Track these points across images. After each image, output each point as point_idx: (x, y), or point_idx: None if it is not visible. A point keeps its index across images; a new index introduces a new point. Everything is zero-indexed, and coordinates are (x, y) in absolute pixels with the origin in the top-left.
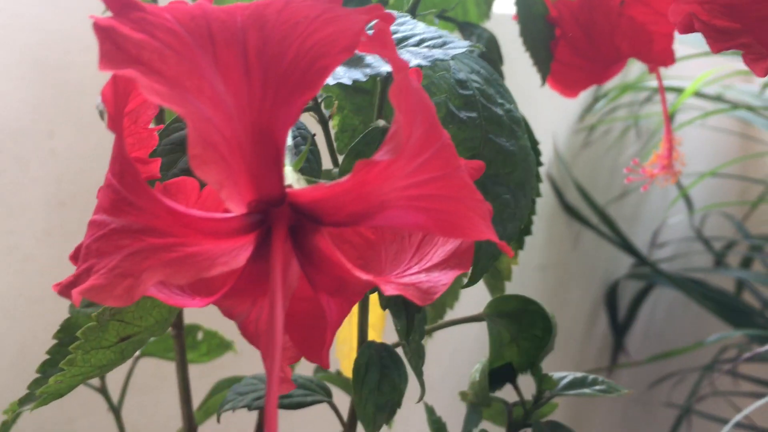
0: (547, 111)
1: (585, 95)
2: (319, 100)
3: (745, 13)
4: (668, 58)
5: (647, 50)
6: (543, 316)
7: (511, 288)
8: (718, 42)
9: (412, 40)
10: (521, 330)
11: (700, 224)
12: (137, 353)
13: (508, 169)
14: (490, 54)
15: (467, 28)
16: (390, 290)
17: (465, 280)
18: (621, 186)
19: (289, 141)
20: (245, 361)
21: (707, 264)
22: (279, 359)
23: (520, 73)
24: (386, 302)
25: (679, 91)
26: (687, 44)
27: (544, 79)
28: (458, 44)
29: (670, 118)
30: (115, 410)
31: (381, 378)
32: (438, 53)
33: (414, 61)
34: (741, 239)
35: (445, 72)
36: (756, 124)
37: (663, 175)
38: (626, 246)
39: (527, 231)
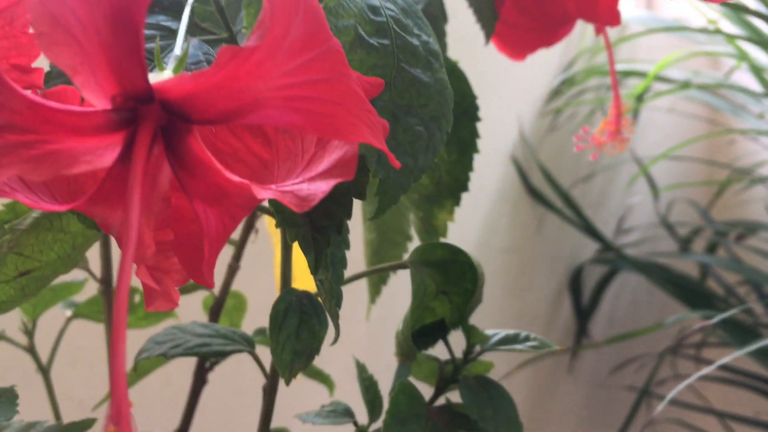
0: (513, 94)
1: (552, 78)
2: None
3: None
4: (614, 18)
5: (593, 9)
6: (471, 267)
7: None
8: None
9: None
10: (448, 281)
11: (666, 210)
12: (69, 314)
13: (422, 101)
14: (432, 9)
15: None
16: (263, 194)
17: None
18: (587, 170)
19: (178, 51)
20: None
21: (672, 249)
22: (130, 264)
23: (487, 58)
24: (294, 235)
25: (645, 75)
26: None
27: (488, 39)
28: None
29: (639, 99)
30: (44, 371)
31: (300, 324)
32: None
33: None
34: (706, 226)
35: None
36: (723, 109)
37: (611, 142)
38: (590, 230)
39: (464, 187)
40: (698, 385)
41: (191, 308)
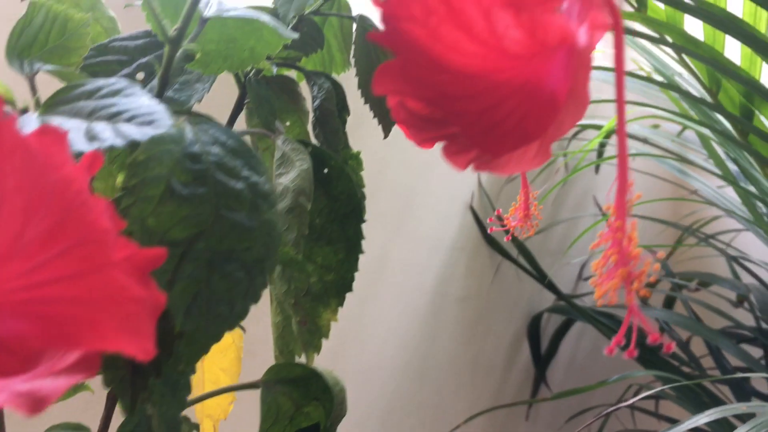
0: None
1: None
2: None
3: (451, 105)
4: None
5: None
6: (326, 388)
7: (429, 320)
8: (423, 132)
9: (124, 115)
10: (308, 395)
11: None
12: None
13: (245, 245)
14: (328, 104)
15: (311, 77)
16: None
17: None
18: (547, 218)
19: None
20: None
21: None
22: None
23: None
24: (110, 379)
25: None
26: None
27: (386, 135)
28: (163, 123)
29: (599, 153)
30: None
31: None
32: (134, 132)
33: (109, 141)
34: (664, 278)
35: (174, 145)
36: (671, 169)
37: (521, 227)
38: (544, 280)
39: (349, 287)
40: None
41: None
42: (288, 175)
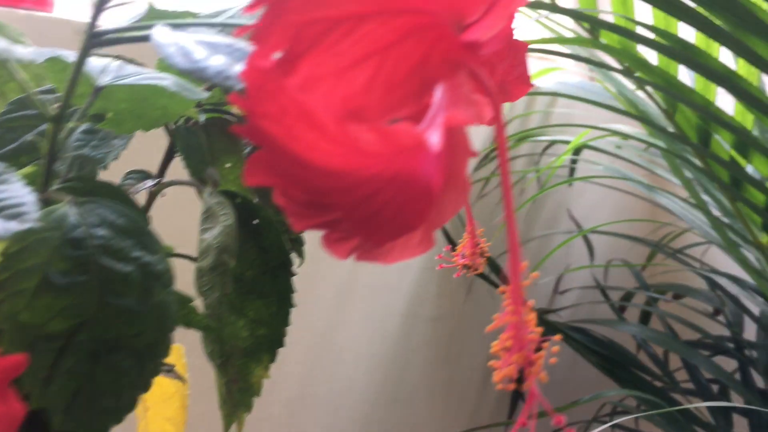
0: None
1: (481, 145)
2: None
3: (323, 197)
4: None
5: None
6: None
7: (401, 342)
8: (304, 219)
9: None
10: None
11: (604, 272)
12: None
13: (135, 331)
14: None
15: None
16: None
17: None
18: (521, 235)
19: None
20: None
21: (611, 315)
22: None
23: None
24: None
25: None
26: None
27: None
28: (29, 217)
29: (571, 170)
30: None
31: None
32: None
33: None
34: (639, 290)
35: (52, 232)
36: (638, 186)
37: (469, 264)
38: None
39: (280, 342)
40: None
41: None
42: (212, 230)
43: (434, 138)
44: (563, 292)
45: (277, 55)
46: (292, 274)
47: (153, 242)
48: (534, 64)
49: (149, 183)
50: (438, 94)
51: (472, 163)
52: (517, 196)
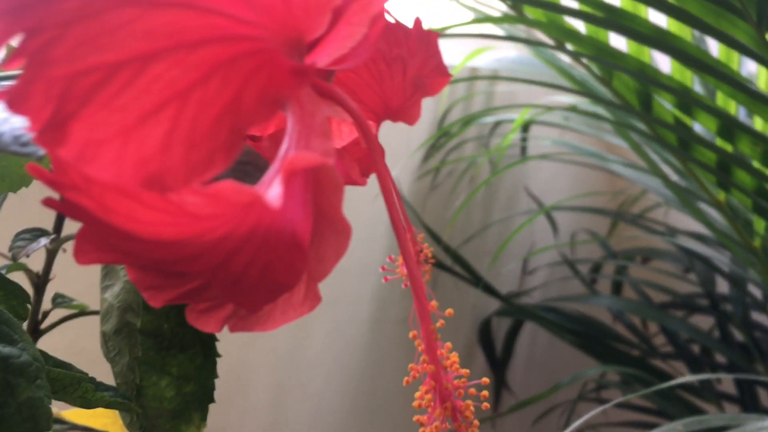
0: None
1: (426, 135)
2: None
3: (171, 268)
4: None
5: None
6: None
7: (371, 350)
8: (161, 292)
9: None
10: None
11: (570, 245)
12: None
13: None
14: None
15: None
16: None
17: None
18: (480, 221)
19: None
20: None
21: (583, 289)
22: None
23: None
24: None
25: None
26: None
27: None
28: None
29: (523, 150)
30: None
31: None
32: None
33: None
34: (607, 260)
35: None
36: (588, 156)
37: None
38: (481, 285)
39: (210, 397)
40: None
41: None
42: (113, 288)
43: (274, 193)
44: (531, 272)
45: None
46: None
47: (12, 328)
48: (467, 45)
49: (44, 241)
50: (286, 132)
51: (419, 155)
52: (470, 182)
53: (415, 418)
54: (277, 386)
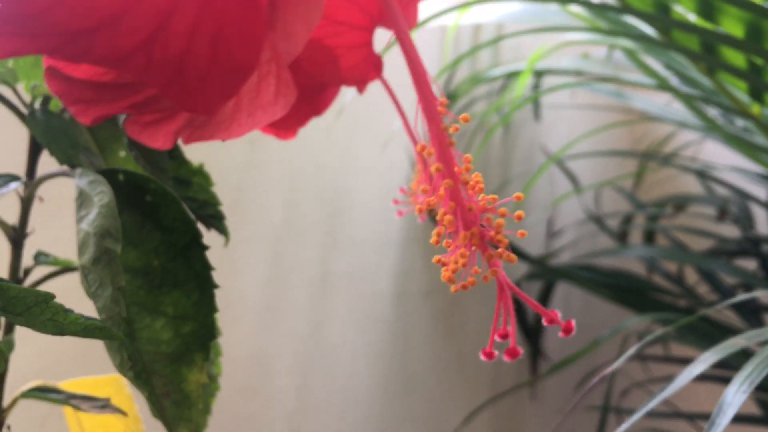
0: (398, 130)
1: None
2: None
3: (101, 45)
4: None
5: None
6: None
7: (397, 325)
8: (94, 105)
9: None
10: None
11: (594, 203)
12: None
13: None
14: None
15: None
16: None
17: None
18: (498, 182)
19: None
20: None
21: (610, 244)
22: None
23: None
24: None
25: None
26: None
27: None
28: None
29: (535, 99)
30: None
31: None
32: None
33: None
34: (636, 211)
35: None
36: (610, 96)
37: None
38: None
39: (211, 333)
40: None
41: None
42: (88, 217)
43: None
44: (557, 233)
45: None
46: (205, 248)
47: None
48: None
49: (14, 185)
50: None
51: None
52: (482, 143)
53: (434, 258)
54: (300, 370)
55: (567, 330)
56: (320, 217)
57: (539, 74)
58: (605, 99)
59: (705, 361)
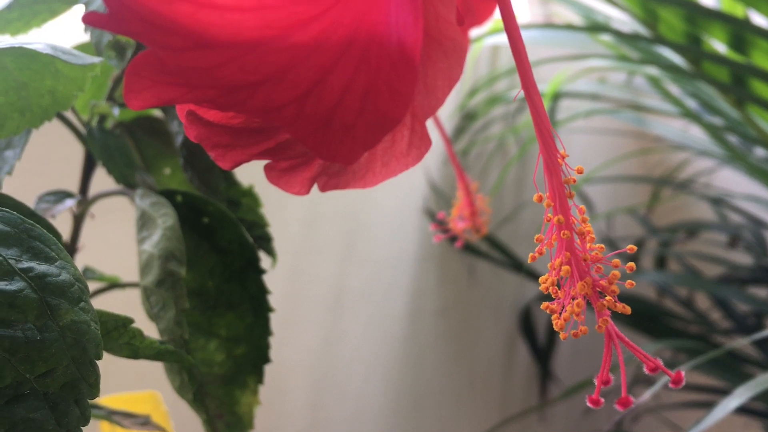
0: None
1: (450, 119)
2: None
3: (251, 98)
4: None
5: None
6: None
7: (410, 343)
8: (233, 150)
9: None
10: None
11: (606, 227)
12: None
13: (42, 368)
14: None
15: (167, 110)
16: None
17: None
18: (512, 204)
19: None
20: None
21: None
22: None
23: None
24: None
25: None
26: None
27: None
28: None
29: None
30: None
31: None
32: None
33: None
34: (649, 236)
35: None
36: (628, 121)
37: (469, 227)
38: (520, 270)
39: (265, 357)
40: (670, 415)
41: None
42: (151, 238)
43: None
44: None
45: None
46: (262, 272)
47: (48, 244)
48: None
49: (69, 202)
50: None
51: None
52: (499, 164)
53: (543, 305)
54: (314, 386)
55: (676, 382)
56: (336, 235)
57: (555, 96)
58: (621, 123)
59: (741, 395)
